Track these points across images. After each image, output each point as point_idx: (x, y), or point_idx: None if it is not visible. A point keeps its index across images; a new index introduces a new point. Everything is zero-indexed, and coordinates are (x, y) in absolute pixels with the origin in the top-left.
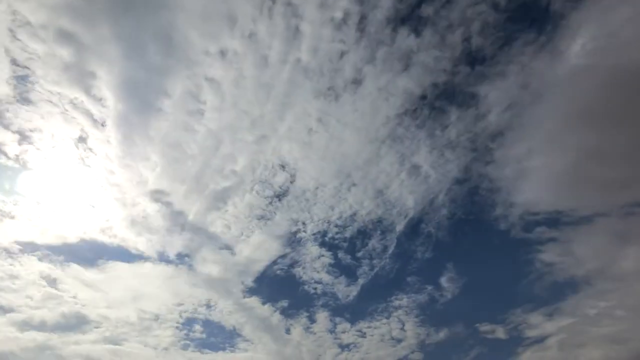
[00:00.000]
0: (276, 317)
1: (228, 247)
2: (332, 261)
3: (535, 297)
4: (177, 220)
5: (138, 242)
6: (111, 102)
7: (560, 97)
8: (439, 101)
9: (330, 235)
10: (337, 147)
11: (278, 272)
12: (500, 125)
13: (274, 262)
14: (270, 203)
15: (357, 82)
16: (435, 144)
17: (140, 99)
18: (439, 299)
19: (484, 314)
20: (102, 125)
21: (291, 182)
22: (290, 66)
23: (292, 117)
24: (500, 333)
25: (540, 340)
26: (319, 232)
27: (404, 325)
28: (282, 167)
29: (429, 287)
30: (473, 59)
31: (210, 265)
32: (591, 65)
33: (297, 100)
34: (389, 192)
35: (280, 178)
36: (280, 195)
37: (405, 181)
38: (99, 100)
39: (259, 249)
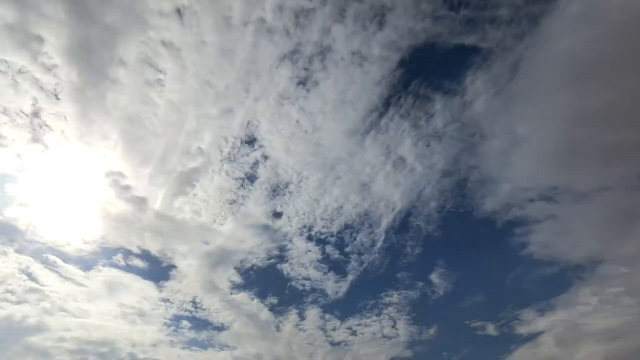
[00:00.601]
0: (265, 314)
1: (200, 236)
2: (320, 256)
3: (529, 292)
4: (142, 207)
5: (106, 235)
6: (63, 71)
7: (553, 56)
8: (423, 89)
9: (316, 229)
10: (318, 138)
11: (264, 267)
12: (488, 113)
13: (258, 255)
14: (242, 186)
15: (328, 49)
16: (420, 134)
17: (94, 68)
18: (431, 295)
19: (477, 310)
20: (56, 98)
21: (264, 160)
22: (254, 28)
23: (258, 88)
24: (495, 330)
25: (535, 336)
26: (304, 226)
27: (395, 323)
28: (251, 143)
29: (420, 284)
30: (457, 10)
31: (184, 258)
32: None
33: (263, 68)
34: (374, 186)
35: (251, 157)
36: (252, 178)
37: (392, 174)
38: (49, 69)
39: (234, 238)
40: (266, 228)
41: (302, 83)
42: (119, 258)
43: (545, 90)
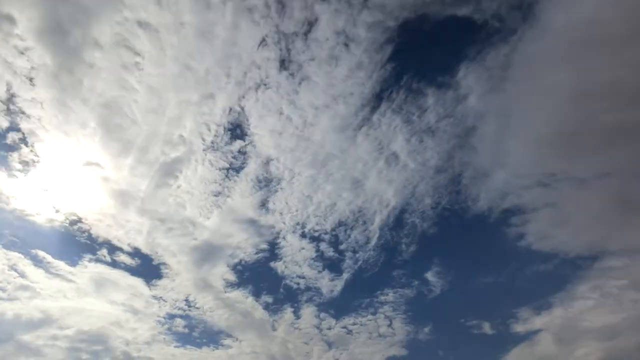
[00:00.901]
0: (260, 313)
1: (186, 230)
2: (314, 254)
3: (527, 289)
4: (123, 199)
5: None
6: (36, 54)
7: (549, 34)
8: (415, 82)
9: (310, 226)
10: (309, 132)
11: (258, 265)
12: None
13: (250, 252)
14: (227, 177)
15: (310, 23)
16: (413, 130)
17: (68, 50)
18: (427, 294)
19: (474, 308)
20: (31, 82)
21: (248, 148)
22: (233, 6)
23: (239, 72)
24: (493, 328)
25: (533, 334)
26: (297, 223)
27: (391, 322)
28: (234, 130)
29: (416, 282)
30: None
31: (172, 255)
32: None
33: (244, 50)
34: (367, 182)
35: (235, 145)
36: (237, 168)
37: (384, 170)
38: (22, 52)
39: (221, 233)
40: (255, 221)
41: (285, 66)
42: (104, 253)
43: (541, 70)
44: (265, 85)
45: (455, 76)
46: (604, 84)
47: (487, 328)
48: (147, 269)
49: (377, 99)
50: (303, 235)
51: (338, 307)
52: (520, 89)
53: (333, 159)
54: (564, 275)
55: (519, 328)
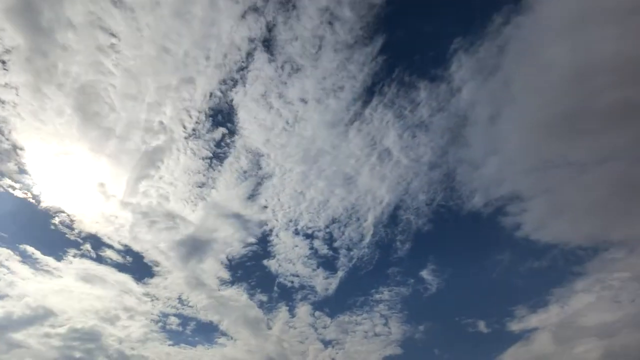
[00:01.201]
0: (255, 311)
1: (170, 224)
2: (308, 252)
3: (524, 286)
4: (104, 191)
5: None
6: (8, 35)
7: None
8: (407, 76)
9: (302, 223)
10: (300, 126)
11: (252, 263)
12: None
13: (241, 248)
14: (210, 166)
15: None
16: (406, 125)
17: (41, 32)
18: (423, 292)
19: (470, 307)
20: (4, 66)
21: (231, 136)
22: None
23: (219, 54)
24: (491, 327)
25: (530, 332)
26: (290, 220)
27: (387, 321)
28: (215, 116)
29: (411, 280)
30: None
31: (159, 251)
32: None
33: (223, 30)
34: (360, 178)
35: (217, 132)
36: (220, 156)
37: (377, 166)
38: None
39: (209, 227)
40: (243, 216)
41: (267, 47)
42: (87, 247)
43: (537, 48)
44: (246, 69)
45: (448, 68)
46: (605, 58)
47: (484, 326)
48: (137, 265)
49: (369, 93)
50: (296, 232)
51: (333, 305)
52: (514, 72)
53: (324, 154)
54: (563, 269)
55: (517, 326)
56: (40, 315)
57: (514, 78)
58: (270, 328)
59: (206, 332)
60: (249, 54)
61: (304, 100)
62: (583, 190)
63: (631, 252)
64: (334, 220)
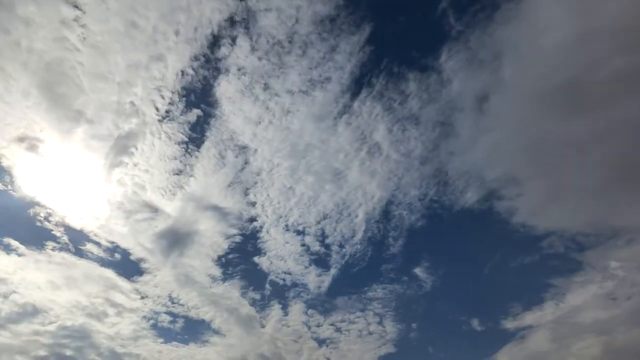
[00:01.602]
0: (247, 309)
1: (148, 215)
2: (300, 248)
3: (521, 282)
4: (76, 180)
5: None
6: None
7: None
8: (396, 66)
9: (293, 219)
10: (288, 120)
11: (243, 260)
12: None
13: (232, 245)
14: (187, 152)
15: None
16: (395, 118)
17: (1, 5)
18: (417, 290)
19: (466, 305)
20: None
21: (206, 118)
22: None
23: (189, 28)
24: (488, 325)
25: (527, 328)
26: (280, 216)
27: (381, 319)
28: (188, 96)
29: (405, 277)
30: None
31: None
32: None
33: (192, 1)
34: (350, 173)
35: (192, 114)
36: (196, 141)
37: (367, 161)
38: None
39: (187, 218)
40: (223, 208)
41: (240, 20)
42: (65, 240)
43: (532, 9)
44: (220, 44)
45: (438, 58)
46: (608, 21)
47: (479, 324)
48: (123, 261)
49: (357, 84)
50: (287, 229)
51: (326, 303)
52: (505, 41)
53: (313, 149)
54: (560, 261)
55: (513, 323)
56: (28, 314)
57: (504, 48)
58: (263, 326)
59: (198, 330)
60: (222, 28)
61: (290, 92)
62: (583, 172)
63: (633, 241)
64: (325, 216)
